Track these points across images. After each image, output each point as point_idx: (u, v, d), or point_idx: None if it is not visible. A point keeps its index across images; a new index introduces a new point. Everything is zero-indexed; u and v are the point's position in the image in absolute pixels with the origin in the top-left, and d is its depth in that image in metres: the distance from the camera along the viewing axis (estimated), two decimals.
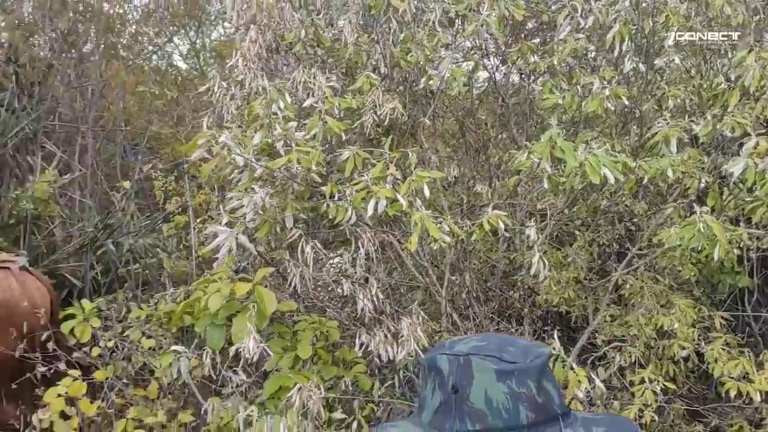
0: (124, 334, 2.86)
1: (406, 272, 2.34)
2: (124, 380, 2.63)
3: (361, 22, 2.14)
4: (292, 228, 1.83)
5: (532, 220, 2.02)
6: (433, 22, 2.08)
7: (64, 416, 2.75)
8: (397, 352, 1.80)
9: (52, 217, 4.22)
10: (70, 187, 4.45)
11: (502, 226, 1.74)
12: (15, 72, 4.05)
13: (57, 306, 3.35)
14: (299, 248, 1.81)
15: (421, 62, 2.04)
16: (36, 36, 4.02)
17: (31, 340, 2.90)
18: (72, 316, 2.67)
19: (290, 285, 1.90)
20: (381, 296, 1.90)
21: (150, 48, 4.96)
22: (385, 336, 1.83)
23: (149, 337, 2.79)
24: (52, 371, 2.77)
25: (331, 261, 2.17)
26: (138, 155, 5.23)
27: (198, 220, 3.71)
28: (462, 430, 0.78)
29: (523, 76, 2.56)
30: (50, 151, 4.44)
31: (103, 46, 4.34)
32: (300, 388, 1.77)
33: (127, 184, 4.09)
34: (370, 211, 1.66)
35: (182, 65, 5.40)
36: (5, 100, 4.15)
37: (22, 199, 4.05)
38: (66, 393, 2.64)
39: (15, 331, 2.93)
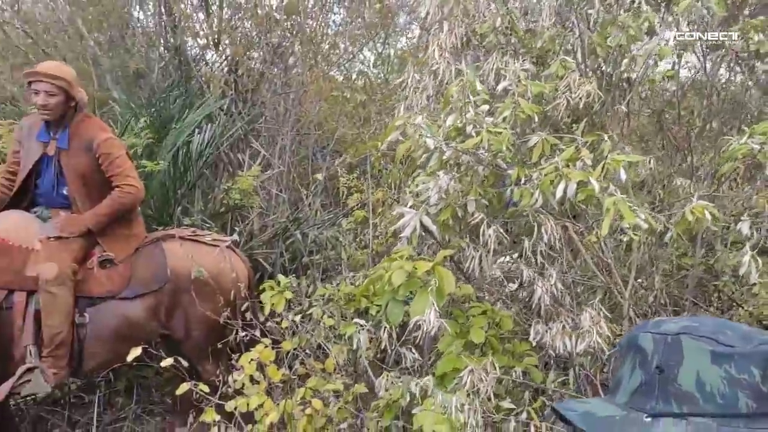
0: (308, 312, 3.15)
1: (584, 270, 2.24)
2: (307, 351, 2.88)
3: (556, 8, 2.12)
4: (474, 212, 1.86)
5: (745, 214, 1.81)
6: (639, 1, 1.98)
7: (253, 381, 3.10)
8: (575, 345, 1.73)
9: (253, 207, 4.79)
10: (268, 182, 5.01)
11: (708, 216, 1.58)
12: (234, 81, 4.71)
13: (253, 283, 3.79)
14: (480, 231, 1.84)
15: (623, 43, 1.93)
16: (252, 50, 4.63)
17: (232, 310, 3.32)
18: (269, 289, 2.99)
19: (466, 271, 1.93)
20: (561, 286, 1.85)
21: (344, 57, 5.42)
22: (563, 327, 1.77)
23: (330, 316, 3.04)
24: (248, 338, 3.13)
25: (508, 253, 2.16)
26: (326, 157, 5.73)
27: (376, 215, 3.94)
28: (665, 412, 0.74)
29: (740, 61, 2.30)
30: (255, 150, 5.04)
31: (305, 57, 4.85)
32: (471, 370, 1.80)
33: (319, 176, 4.48)
34: (558, 194, 1.62)
35: (370, 72, 5.80)
36: (225, 106, 4.83)
37: (231, 191, 4.67)
38: (258, 358, 2.97)
39: (222, 299, 3.39)
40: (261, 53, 4.71)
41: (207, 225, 4.37)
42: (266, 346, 2.94)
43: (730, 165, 1.74)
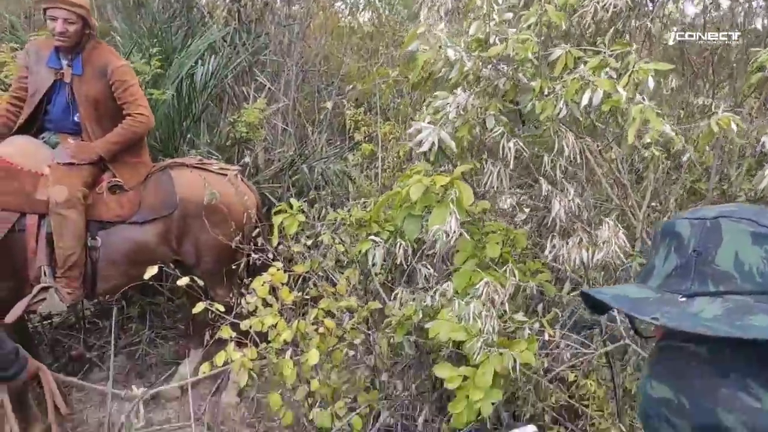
0: (319, 238, 3.19)
1: (600, 193, 2.26)
2: (319, 274, 2.94)
3: None
4: (493, 127, 1.87)
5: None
6: None
7: (265, 304, 3.18)
8: (591, 257, 1.77)
9: (259, 141, 4.76)
10: (274, 116, 4.96)
11: (734, 127, 1.58)
12: (238, 11, 4.59)
13: (261, 211, 3.82)
14: (500, 146, 1.84)
15: None
16: None
17: (242, 236, 3.36)
18: (281, 213, 3.01)
19: (485, 185, 1.94)
20: (578, 201, 1.87)
21: None
22: (580, 240, 1.81)
23: (340, 242, 3.08)
24: (260, 262, 3.19)
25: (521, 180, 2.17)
26: (331, 93, 5.65)
27: (384, 149, 3.94)
28: (700, 291, 0.76)
29: None
30: (260, 83, 4.96)
31: None
32: (487, 283, 1.85)
33: (328, 104, 4.44)
34: (584, 102, 1.62)
35: (377, 2, 5.63)
36: (228, 37, 4.72)
37: (237, 123, 4.63)
38: (270, 281, 3.03)
39: (232, 225, 3.43)
40: None
41: (213, 157, 4.36)
42: (278, 269, 3.00)
43: (758, 76, 1.73)
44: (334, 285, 3.05)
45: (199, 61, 4.49)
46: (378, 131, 3.91)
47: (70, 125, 3.23)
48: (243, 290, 3.18)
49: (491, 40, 1.82)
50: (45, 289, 2.98)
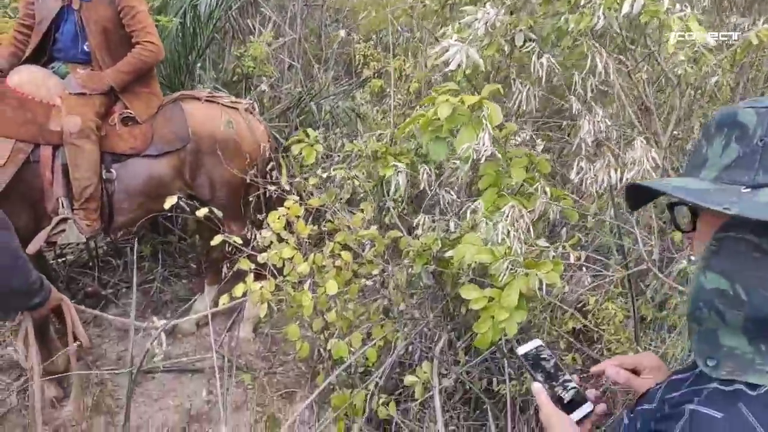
0: (333, 172, 3.17)
1: (623, 119, 2.22)
2: (336, 207, 2.93)
3: None
4: (524, 43, 1.81)
5: None
6: None
7: (280, 239, 3.19)
8: (621, 177, 1.75)
9: (266, 77, 4.66)
10: (280, 51, 4.83)
11: None
12: None
13: (273, 145, 3.78)
14: (532, 63, 1.80)
15: None
16: None
17: (255, 169, 3.34)
18: (298, 143, 2.98)
19: (514, 103, 1.90)
20: (608, 122, 1.84)
21: None
22: (608, 162, 1.79)
23: (353, 177, 3.06)
24: (276, 195, 3.18)
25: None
26: (337, 29, 5.49)
27: (396, 85, 3.85)
28: (766, 183, 0.75)
29: None
30: (265, 16, 4.81)
31: None
32: (512, 206, 1.84)
33: (342, 33, 4.32)
34: (625, 9, 1.56)
35: None
36: None
37: (244, 58, 4.52)
38: (286, 214, 3.03)
39: (249, 158, 3.40)
40: None
41: (220, 92, 4.27)
42: (294, 202, 2.99)
43: None
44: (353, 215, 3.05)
45: None
46: (390, 65, 3.81)
47: (79, 54, 3.15)
48: (258, 225, 3.21)
49: None
50: (64, 220, 2.99)
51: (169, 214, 3.48)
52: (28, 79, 3.01)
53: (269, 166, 3.24)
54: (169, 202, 2.68)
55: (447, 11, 2.68)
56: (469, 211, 1.84)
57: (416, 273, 2.48)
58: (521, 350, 1.15)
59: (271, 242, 3.02)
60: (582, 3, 1.69)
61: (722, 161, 0.80)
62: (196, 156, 3.34)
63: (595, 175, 1.77)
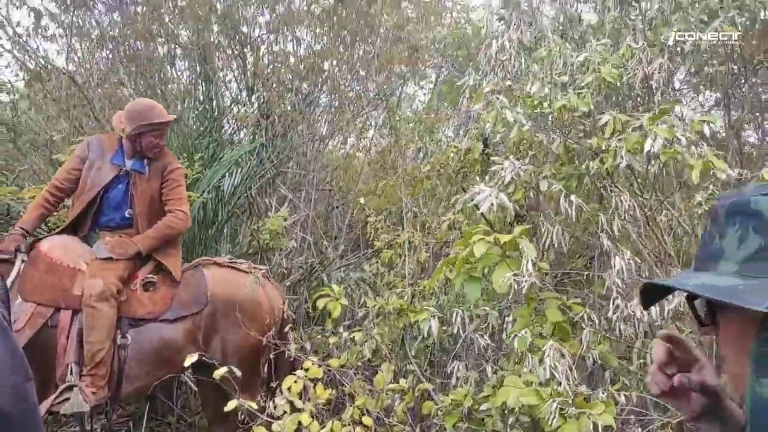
0: (352, 335, 3.11)
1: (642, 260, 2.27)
2: (356, 369, 2.83)
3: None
4: (548, 189, 1.94)
5: None
6: None
7: (293, 409, 3.01)
8: (661, 312, 1.73)
9: (281, 250, 4.82)
10: (294, 226, 5.07)
11: None
12: (266, 127, 4.90)
13: (287, 313, 3.76)
14: (558, 203, 1.90)
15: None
16: (285, 96, 4.86)
17: (271, 334, 3.28)
18: (324, 297, 2.98)
19: (543, 243, 1.97)
20: (638, 260, 1.88)
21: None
22: None
23: (377, 334, 3.01)
24: (290, 360, 3.07)
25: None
26: (346, 210, 5.84)
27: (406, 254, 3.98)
28: None
29: None
30: (281, 194, 5.15)
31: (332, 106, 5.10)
32: (552, 346, 1.80)
33: (361, 200, 4.54)
34: (647, 148, 1.71)
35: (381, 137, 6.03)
36: (255, 151, 4.99)
37: (261, 231, 4.72)
38: (305, 376, 2.89)
39: (260, 324, 3.36)
40: (292, 101, 4.94)
41: None
42: (313, 363, 2.89)
43: None
44: (370, 380, 2.93)
45: (227, 174, 4.69)
46: (404, 233, 3.99)
47: (117, 220, 3.31)
48: (271, 394, 3.05)
49: (550, 94, 1.96)
50: (69, 388, 2.84)
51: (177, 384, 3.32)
52: (58, 244, 3.10)
53: (285, 329, 3.20)
54: (189, 360, 2.60)
55: (461, 178, 2.90)
56: (515, 341, 1.79)
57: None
58: None
59: (284, 411, 2.86)
60: (603, 147, 1.86)
61: (741, 253, 0.75)
62: (211, 319, 3.31)
63: (632, 311, 1.76)
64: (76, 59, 5.20)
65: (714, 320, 0.81)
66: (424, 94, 7.50)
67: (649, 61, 2.01)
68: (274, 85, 4.61)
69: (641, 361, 1.93)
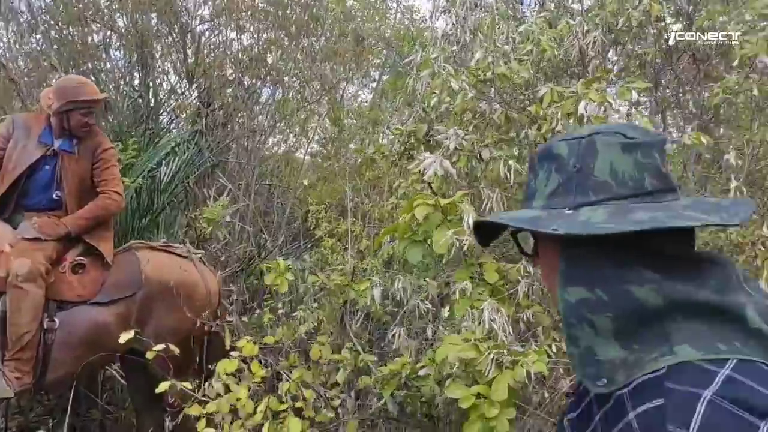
0: (294, 313, 3.09)
1: None
2: (290, 346, 2.81)
3: None
4: (489, 159, 2.03)
5: None
6: None
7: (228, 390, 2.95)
8: None
9: (218, 239, 4.72)
10: (233, 216, 4.99)
11: None
12: (206, 115, 4.81)
13: (222, 296, 3.69)
14: (499, 171, 1.98)
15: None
16: (227, 86, 4.79)
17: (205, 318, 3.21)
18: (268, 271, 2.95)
19: (484, 208, 2.05)
20: None
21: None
22: None
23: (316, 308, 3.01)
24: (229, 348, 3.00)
25: None
26: (286, 205, 5.80)
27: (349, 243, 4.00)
28: (583, 202, 0.84)
29: None
30: (221, 185, 5.06)
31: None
32: (490, 304, 1.87)
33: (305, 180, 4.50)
34: (580, 110, 1.83)
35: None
36: (194, 139, 4.89)
37: (197, 220, 4.62)
38: (240, 354, 2.84)
39: (194, 309, 3.27)
40: (233, 90, 4.88)
41: None
42: (248, 341, 2.85)
43: None
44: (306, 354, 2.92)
45: (163, 161, 4.57)
46: (348, 223, 4.02)
47: (44, 201, 3.14)
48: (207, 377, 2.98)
49: (493, 66, 2.05)
50: None
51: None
52: None
53: (221, 314, 3.14)
54: (125, 336, 2.51)
55: (405, 161, 2.97)
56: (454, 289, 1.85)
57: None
58: None
59: (218, 394, 2.82)
60: (541, 115, 1.98)
61: (547, 190, 0.89)
62: (145, 303, 3.20)
63: None
64: (1, 44, 4.94)
65: (536, 250, 0.95)
66: (368, 93, 7.62)
67: (585, 34, 2.15)
68: (216, 74, 4.54)
69: None
